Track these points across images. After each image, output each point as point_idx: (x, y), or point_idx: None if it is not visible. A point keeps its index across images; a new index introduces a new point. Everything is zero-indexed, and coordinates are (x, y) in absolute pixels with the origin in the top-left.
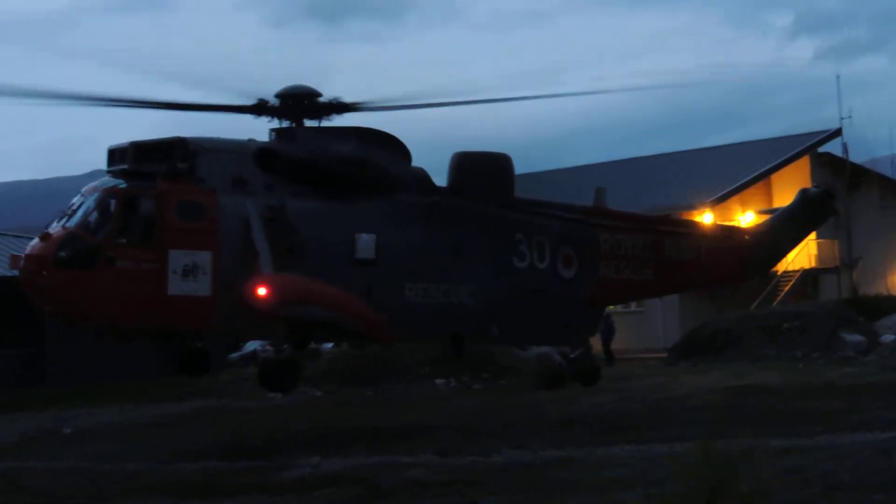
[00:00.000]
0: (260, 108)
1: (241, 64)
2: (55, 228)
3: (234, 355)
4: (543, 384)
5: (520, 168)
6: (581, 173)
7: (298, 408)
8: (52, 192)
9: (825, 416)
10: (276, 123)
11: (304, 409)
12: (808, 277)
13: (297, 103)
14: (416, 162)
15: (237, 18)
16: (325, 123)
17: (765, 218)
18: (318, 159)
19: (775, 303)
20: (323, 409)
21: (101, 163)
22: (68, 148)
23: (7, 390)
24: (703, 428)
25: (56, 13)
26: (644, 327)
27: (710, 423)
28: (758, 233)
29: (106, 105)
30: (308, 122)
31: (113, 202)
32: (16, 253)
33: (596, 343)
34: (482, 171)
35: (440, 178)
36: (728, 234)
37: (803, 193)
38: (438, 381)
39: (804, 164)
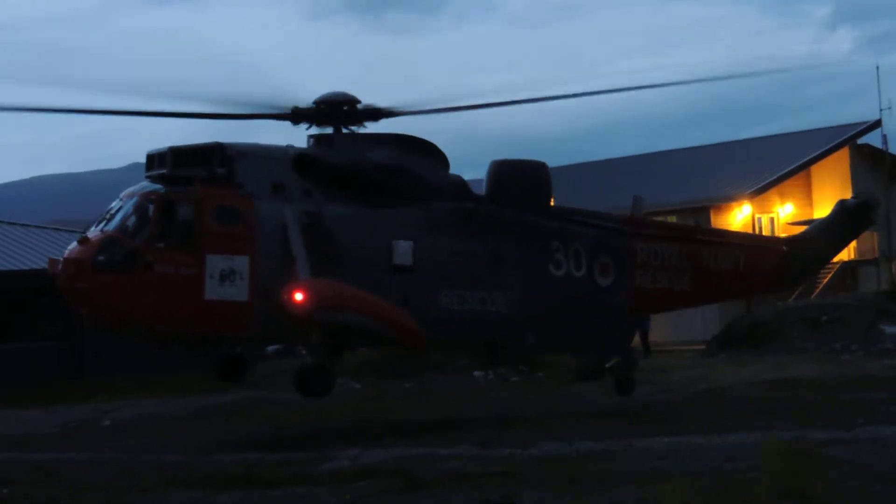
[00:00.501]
0: (298, 115)
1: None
2: (93, 232)
3: (271, 348)
4: (581, 376)
5: (557, 160)
6: (618, 165)
7: (337, 400)
8: (89, 186)
9: (865, 408)
10: (314, 130)
11: (343, 402)
12: (846, 269)
13: (336, 110)
14: (452, 153)
15: (273, 12)
16: (363, 130)
17: (801, 229)
18: (357, 166)
19: (814, 295)
20: (361, 401)
21: (140, 155)
22: (106, 141)
23: (46, 383)
24: (743, 420)
25: (89, 7)
26: (682, 319)
27: (750, 416)
28: (795, 243)
29: (143, 116)
30: (346, 129)
31: (151, 207)
32: (54, 257)
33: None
34: (519, 179)
35: (474, 170)
36: (765, 245)
37: (841, 204)
38: (476, 373)
39: (843, 155)
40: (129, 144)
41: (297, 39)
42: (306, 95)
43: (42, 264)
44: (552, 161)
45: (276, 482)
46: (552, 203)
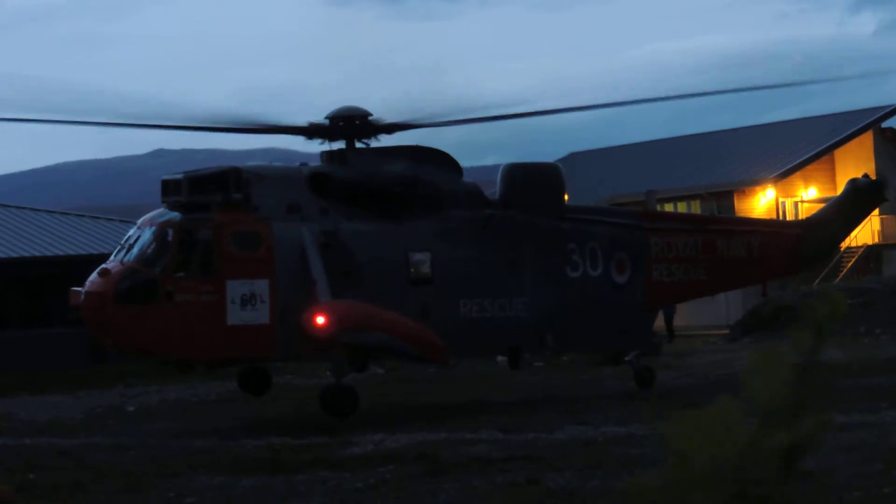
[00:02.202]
0: (311, 130)
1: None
2: (113, 263)
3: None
4: (606, 361)
5: (581, 145)
6: (641, 150)
7: (361, 385)
8: (116, 171)
9: (890, 392)
10: (327, 146)
11: (368, 386)
12: (871, 253)
13: (348, 125)
14: (474, 137)
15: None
16: (376, 143)
17: (816, 208)
18: (371, 181)
19: (838, 279)
20: (386, 385)
21: (164, 142)
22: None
23: (71, 369)
24: None
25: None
26: (706, 304)
27: None
28: (809, 225)
29: (163, 129)
30: (359, 143)
31: (170, 235)
32: (76, 288)
33: (658, 319)
34: (533, 182)
35: (497, 153)
36: (779, 229)
37: (853, 184)
38: (500, 358)
39: (867, 139)
40: (154, 131)
41: (317, 26)
42: (323, 101)
43: (67, 250)
44: (576, 146)
45: (300, 466)
46: (566, 201)
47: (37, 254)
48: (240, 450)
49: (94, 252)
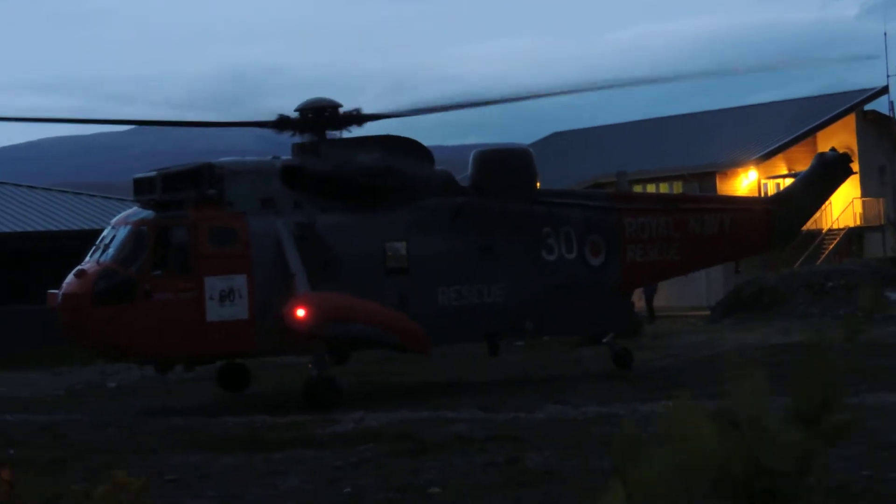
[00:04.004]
0: (282, 123)
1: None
2: (89, 264)
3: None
4: (586, 341)
5: (563, 125)
6: (624, 130)
7: (342, 363)
8: (95, 147)
9: (870, 374)
10: (297, 138)
11: (348, 365)
12: (852, 235)
13: (318, 116)
14: (457, 119)
15: None
16: (347, 134)
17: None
18: (343, 172)
19: (819, 261)
20: (367, 364)
21: (143, 117)
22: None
23: (52, 345)
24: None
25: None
26: (687, 285)
27: None
28: (779, 200)
29: (121, 124)
30: (330, 134)
31: (145, 234)
32: (52, 290)
33: (639, 300)
34: (504, 167)
35: (479, 134)
36: (749, 205)
37: (820, 157)
38: None
39: (850, 122)
40: (134, 108)
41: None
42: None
43: (48, 226)
44: (558, 126)
45: (280, 444)
46: (538, 185)
47: (17, 229)
48: (220, 427)
49: (75, 228)
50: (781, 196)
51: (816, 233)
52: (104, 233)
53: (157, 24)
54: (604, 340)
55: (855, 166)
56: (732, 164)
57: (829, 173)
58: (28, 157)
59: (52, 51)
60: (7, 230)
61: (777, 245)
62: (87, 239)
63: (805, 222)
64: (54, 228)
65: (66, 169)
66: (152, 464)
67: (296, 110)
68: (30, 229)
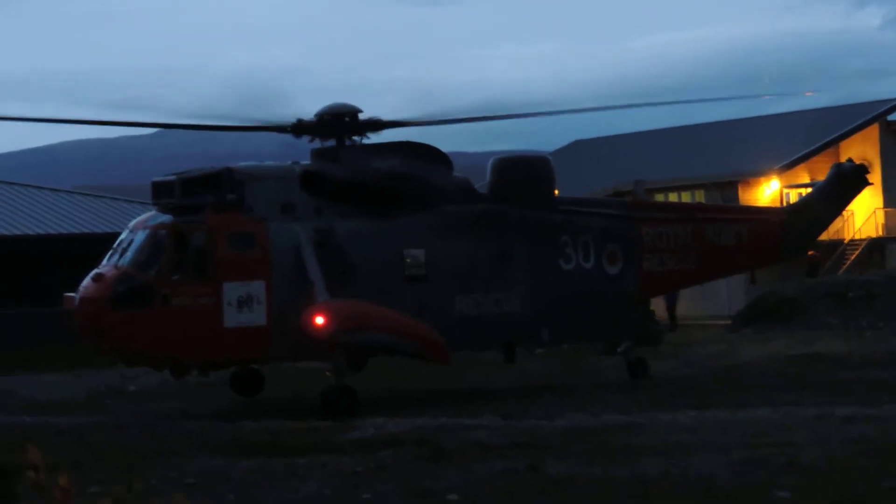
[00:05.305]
0: (300, 128)
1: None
2: (106, 267)
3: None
4: (606, 349)
5: (586, 133)
6: (647, 138)
7: (362, 369)
8: (118, 151)
9: (892, 386)
10: (317, 143)
11: (368, 371)
12: (874, 246)
13: (338, 122)
14: (479, 129)
15: None
16: (366, 140)
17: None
18: (363, 178)
19: (841, 271)
20: (387, 370)
21: (165, 120)
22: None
23: (72, 348)
24: (768, 395)
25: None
26: (708, 294)
27: (775, 391)
28: (795, 211)
29: (143, 126)
30: (349, 140)
31: (163, 238)
32: (69, 293)
33: (660, 308)
34: (523, 175)
35: (503, 142)
36: (766, 215)
37: (837, 168)
38: None
39: (873, 132)
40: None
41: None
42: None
43: (70, 228)
44: (580, 134)
45: (300, 450)
46: (556, 193)
47: (40, 231)
48: (240, 432)
49: (97, 231)
50: (797, 206)
51: (838, 243)
52: (122, 236)
53: (185, 23)
54: (618, 350)
55: (873, 177)
56: (755, 173)
57: (845, 184)
58: (48, 161)
59: (75, 51)
60: (30, 233)
61: (791, 255)
62: (109, 242)
63: (820, 233)
64: (76, 231)
65: (87, 172)
66: (172, 467)
67: (316, 115)
68: (52, 232)
